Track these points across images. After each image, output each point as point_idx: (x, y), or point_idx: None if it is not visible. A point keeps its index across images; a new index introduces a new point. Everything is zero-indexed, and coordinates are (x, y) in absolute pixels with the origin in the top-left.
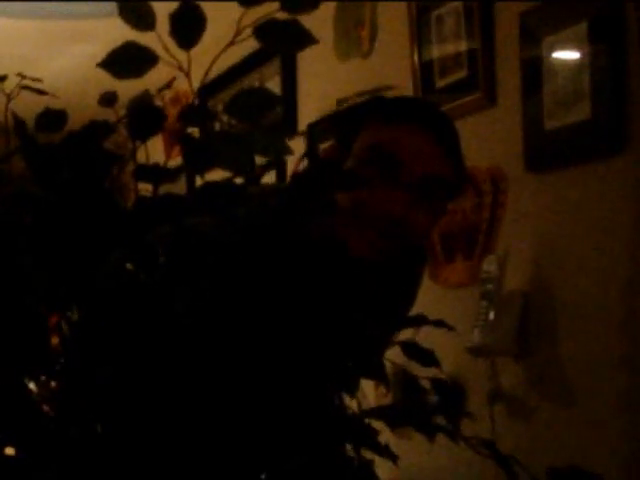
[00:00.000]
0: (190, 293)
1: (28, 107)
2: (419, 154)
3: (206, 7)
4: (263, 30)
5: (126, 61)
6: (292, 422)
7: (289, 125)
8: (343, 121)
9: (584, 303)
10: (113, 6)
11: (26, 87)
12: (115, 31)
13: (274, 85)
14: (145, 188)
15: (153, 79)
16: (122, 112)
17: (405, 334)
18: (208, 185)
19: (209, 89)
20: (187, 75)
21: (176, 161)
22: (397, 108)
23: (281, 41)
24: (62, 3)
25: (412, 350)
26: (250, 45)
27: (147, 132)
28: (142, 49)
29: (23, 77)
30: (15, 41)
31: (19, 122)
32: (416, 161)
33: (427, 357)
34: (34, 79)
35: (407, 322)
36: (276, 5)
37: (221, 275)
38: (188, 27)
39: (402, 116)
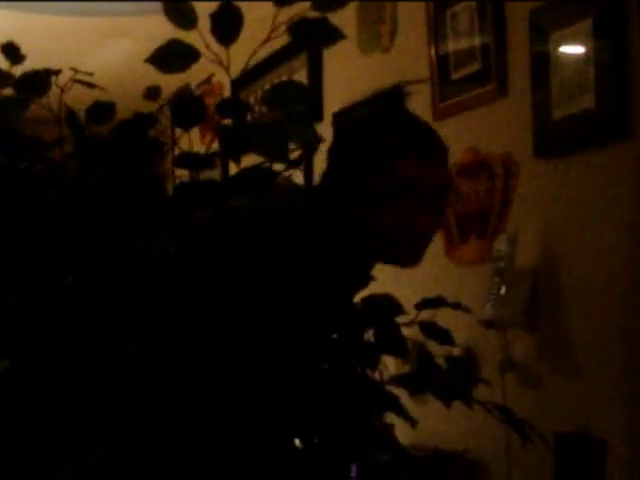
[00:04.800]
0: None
1: (76, 99)
2: (427, 175)
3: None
4: (296, 28)
5: (171, 57)
6: (324, 393)
7: (315, 114)
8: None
9: (590, 279)
10: (153, 5)
11: (78, 80)
12: (154, 28)
13: (301, 78)
14: (183, 174)
15: (188, 73)
16: (161, 103)
17: (425, 314)
18: (245, 170)
19: (241, 81)
20: (227, 70)
21: (211, 148)
22: (404, 144)
23: (312, 38)
24: (105, 2)
25: (430, 329)
26: (279, 40)
27: (190, 122)
28: (185, 46)
29: (76, 71)
30: (62, 37)
31: (71, 113)
32: (426, 180)
33: (443, 336)
34: (86, 73)
35: (427, 303)
36: (307, 4)
37: (256, 253)
38: (227, 25)
39: (409, 149)
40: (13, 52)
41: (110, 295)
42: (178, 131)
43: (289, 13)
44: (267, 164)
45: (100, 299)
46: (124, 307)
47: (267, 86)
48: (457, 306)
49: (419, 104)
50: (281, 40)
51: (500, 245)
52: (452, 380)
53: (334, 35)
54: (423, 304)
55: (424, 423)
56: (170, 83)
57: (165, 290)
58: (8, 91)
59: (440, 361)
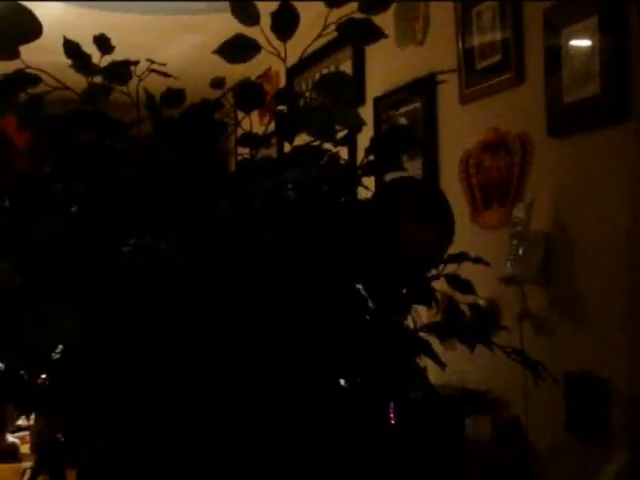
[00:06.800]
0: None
1: (151, 86)
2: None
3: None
4: (343, 27)
5: (236, 49)
6: (367, 340)
7: (359, 99)
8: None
9: (595, 241)
10: (221, 4)
11: (153, 70)
12: (222, 25)
13: (346, 67)
14: (244, 152)
15: (250, 64)
16: (225, 91)
17: (449, 268)
18: (297, 148)
19: (295, 70)
20: (283, 61)
21: (268, 129)
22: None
23: (357, 35)
24: (179, 2)
25: (454, 281)
26: (328, 36)
27: (251, 106)
28: (249, 40)
29: (152, 62)
30: (141, 33)
31: (150, 98)
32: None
33: (466, 287)
34: (160, 63)
35: (452, 258)
36: (354, 5)
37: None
38: (286, 23)
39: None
40: (104, 43)
41: (122, 292)
42: (240, 114)
43: (338, 13)
44: (316, 143)
45: (112, 295)
46: (136, 304)
47: (317, 75)
48: (477, 260)
49: (448, 90)
50: (329, 36)
51: (518, 212)
52: (475, 327)
53: (376, 34)
54: (448, 259)
55: (452, 365)
56: (233, 73)
57: (183, 286)
58: (95, 79)
59: (466, 311)
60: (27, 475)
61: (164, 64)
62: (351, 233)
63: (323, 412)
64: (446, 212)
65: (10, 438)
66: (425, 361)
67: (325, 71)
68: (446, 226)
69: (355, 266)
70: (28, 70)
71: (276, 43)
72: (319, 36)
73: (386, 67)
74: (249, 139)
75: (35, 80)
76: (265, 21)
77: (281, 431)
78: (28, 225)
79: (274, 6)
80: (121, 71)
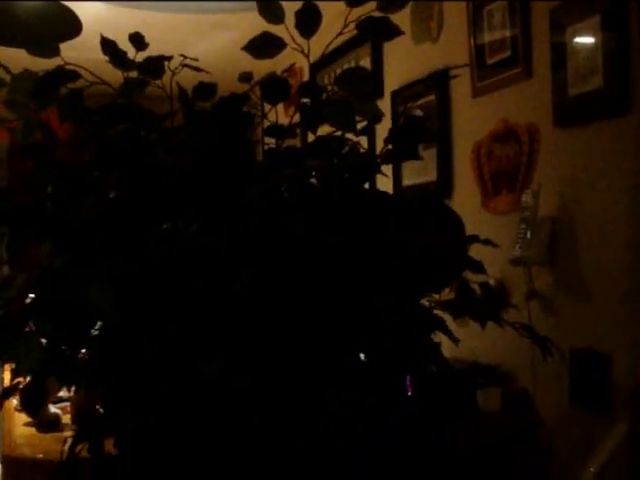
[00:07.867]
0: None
1: (184, 81)
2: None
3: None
4: (363, 24)
5: (262, 46)
6: (386, 317)
7: (377, 93)
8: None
9: (598, 225)
10: (249, 4)
11: (186, 65)
12: (249, 23)
13: (366, 63)
14: (270, 142)
15: (275, 60)
16: (252, 85)
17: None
18: (320, 138)
19: (318, 66)
20: (307, 57)
21: (293, 120)
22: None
23: (376, 33)
24: (207, 2)
25: (466, 262)
26: (349, 34)
27: (277, 99)
28: (274, 37)
29: (185, 57)
30: (174, 31)
31: (182, 91)
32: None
33: (477, 266)
34: (192, 59)
35: (465, 241)
36: (373, 4)
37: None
38: (309, 21)
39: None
40: (138, 40)
41: (157, 272)
42: (267, 106)
43: (358, 12)
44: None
45: (147, 276)
46: (169, 285)
47: (338, 70)
48: (487, 242)
49: (461, 84)
50: (350, 34)
51: (526, 198)
52: (486, 305)
53: (394, 31)
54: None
55: (464, 341)
56: (260, 68)
57: (208, 274)
58: (130, 74)
59: (477, 290)
60: (68, 443)
61: (196, 60)
62: (371, 224)
63: (341, 390)
64: (458, 227)
65: (52, 409)
66: (439, 337)
67: (346, 66)
68: (459, 240)
69: (374, 256)
70: (68, 66)
71: (300, 40)
72: (340, 34)
73: (403, 62)
74: (275, 130)
75: (74, 76)
76: (290, 20)
77: (299, 411)
78: (68, 210)
79: (298, 5)
80: (155, 66)
